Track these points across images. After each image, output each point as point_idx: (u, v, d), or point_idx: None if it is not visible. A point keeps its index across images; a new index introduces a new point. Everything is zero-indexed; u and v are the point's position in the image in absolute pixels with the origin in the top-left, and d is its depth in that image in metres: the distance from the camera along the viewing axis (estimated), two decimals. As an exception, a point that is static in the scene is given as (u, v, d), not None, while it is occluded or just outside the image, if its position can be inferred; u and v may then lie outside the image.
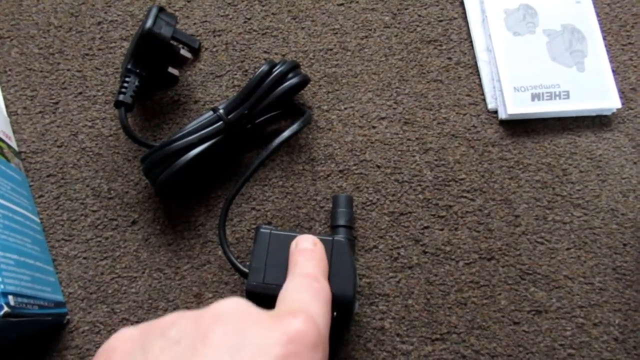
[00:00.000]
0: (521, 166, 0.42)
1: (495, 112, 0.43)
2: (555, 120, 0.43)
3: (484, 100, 0.44)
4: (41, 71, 0.45)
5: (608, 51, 0.44)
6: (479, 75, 0.44)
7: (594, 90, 0.42)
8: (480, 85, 0.44)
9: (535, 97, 0.42)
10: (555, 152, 0.42)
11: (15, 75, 0.44)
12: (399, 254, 0.40)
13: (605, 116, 0.43)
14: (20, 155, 0.42)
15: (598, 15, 0.45)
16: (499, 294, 0.39)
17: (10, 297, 0.32)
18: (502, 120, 0.43)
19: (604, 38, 0.45)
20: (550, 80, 0.43)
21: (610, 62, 0.44)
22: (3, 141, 0.40)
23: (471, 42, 0.45)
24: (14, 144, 0.42)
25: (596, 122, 0.43)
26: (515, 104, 0.42)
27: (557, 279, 0.39)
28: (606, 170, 0.42)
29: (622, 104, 0.43)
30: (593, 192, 0.41)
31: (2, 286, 0.31)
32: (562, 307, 0.39)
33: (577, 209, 0.41)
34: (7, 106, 0.44)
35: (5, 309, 0.31)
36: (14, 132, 0.43)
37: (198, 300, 0.39)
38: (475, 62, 0.45)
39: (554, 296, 0.39)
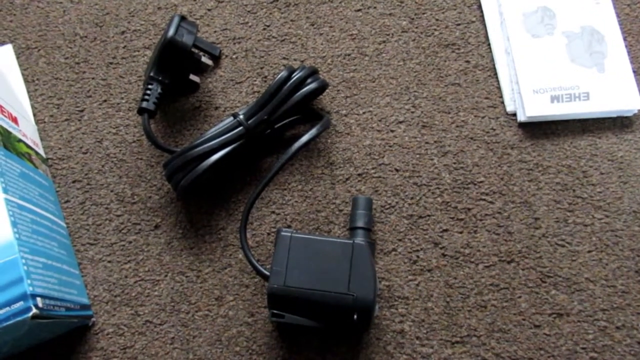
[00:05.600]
0: (541, 168, 0.42)
1: (514, 114, 0.43)
2: (575, 122, 0.43)
3: (503, 102, 0.44)
4: (67, 80, 0.46)
5: (629, 52, 0.44)
6: (497, 77, 0.44)
7: (615, 91, 0.42)
8: (499, 87, 0.44)
9: (554, 99, 0.42)
10: (575, 154, 0.42)
11: (42, 85, 0.46)
12: (418, 257, 0.40)
13: (627, 117, 0.43)
14: (47, 161, 0.43)
15: (618, 16, 0.45)
16: (519, 297, 0.39)
17: (39, 299, 0.32)
18: (521, 122, 0.43)
19: (624, 39, 0.44)
20: (570, 81, 0.43)
21: (631, 62, 0.44)
22: (31, 148, 0.41)
23: (489, 45, 0.45)
24: (41, 151, 0.43)
25: (617, 124, 0.43)
26: (534, 106, 0.42)
27: (578, 282, 0.39)
28: (628, 172, 0.41)
29: (644, 104, 0.43)
30: (614, 194, 0.41)
31: (31, 288, 0.32)
32: (584, 310, 0.38)
33: (599, 211, 0.40)
34: (34, 114, 0.45)
35: (34, 310, 0.32)
36: (42, 139, 0.44)
37: (219, 303, 0.40)
38: (494, 65, 0.45)
39: (575, 299, 0.38)
